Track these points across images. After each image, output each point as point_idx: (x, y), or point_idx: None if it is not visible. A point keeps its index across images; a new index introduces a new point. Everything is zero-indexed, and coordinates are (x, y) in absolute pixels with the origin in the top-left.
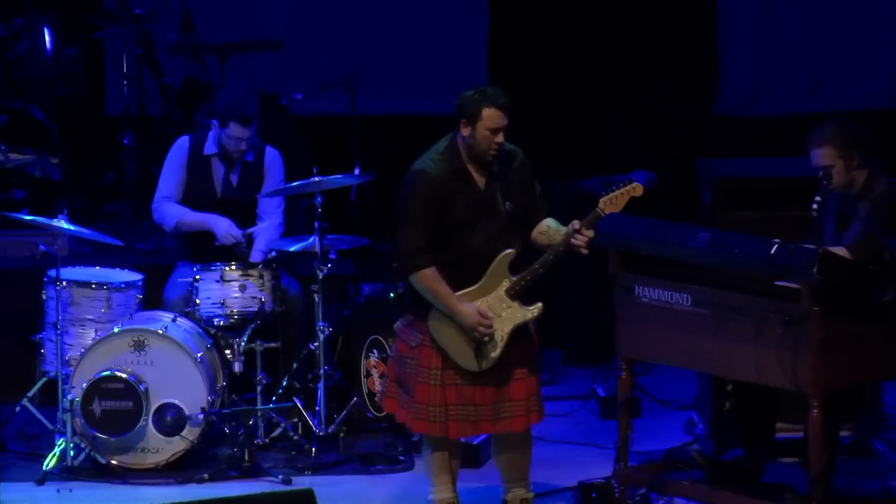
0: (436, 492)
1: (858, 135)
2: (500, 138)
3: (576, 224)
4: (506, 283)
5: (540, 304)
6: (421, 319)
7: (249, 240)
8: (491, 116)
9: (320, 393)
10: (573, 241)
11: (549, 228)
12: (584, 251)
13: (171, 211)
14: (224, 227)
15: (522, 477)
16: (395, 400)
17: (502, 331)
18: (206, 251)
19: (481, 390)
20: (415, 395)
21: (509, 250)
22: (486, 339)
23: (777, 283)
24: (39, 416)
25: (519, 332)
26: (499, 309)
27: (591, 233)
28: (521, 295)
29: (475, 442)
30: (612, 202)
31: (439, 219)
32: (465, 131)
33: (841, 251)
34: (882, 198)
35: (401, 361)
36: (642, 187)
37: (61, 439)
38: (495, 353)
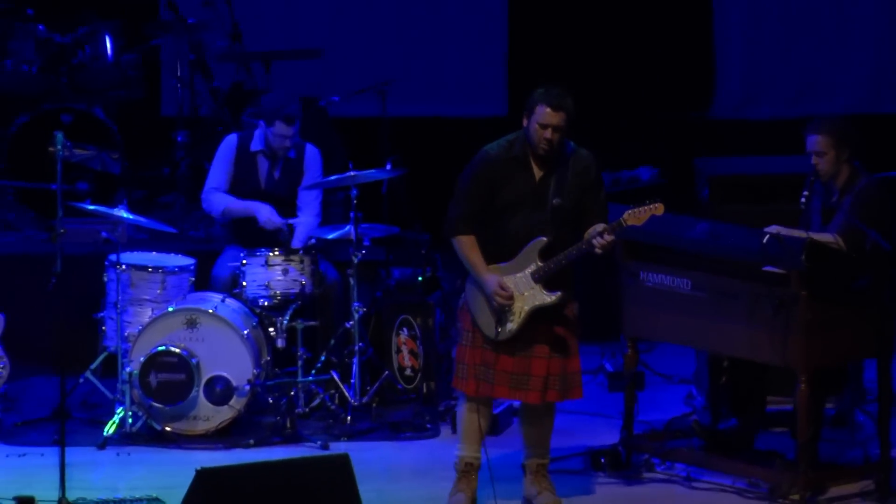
0: (461, 448)
1: (851, 133)
2: (548, 134)
3: (599, 227)
4: (532, 267)
5: (560, 293)
6: (465, 286)
7: (291, 229)
8: (542, 113)
9: (355, 367)
10: (594, 241)
11: (591, 230)
12: (598, 251)
13: (218, 199)
14: (266, 214)
15: (539, 444)
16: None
17: (522, 308)
18: (252, 238)
19: (501, 357)
20: (456, 354)
21: (542, 238)
22: (506, 310)
23: (767, 268)
24: (101, 387)
25: (546, 315)
26: (522, 287)
27: (611, 237)
28: (546, 280)
29: (495, 412)
30: (635, 216)
31: (489, 196)
32: (525, 123)
33: (828, 237)
34: (863, 192)
35: (458, 320)
36: (663, 207)
37: (120, 408)
38: (512, 326)
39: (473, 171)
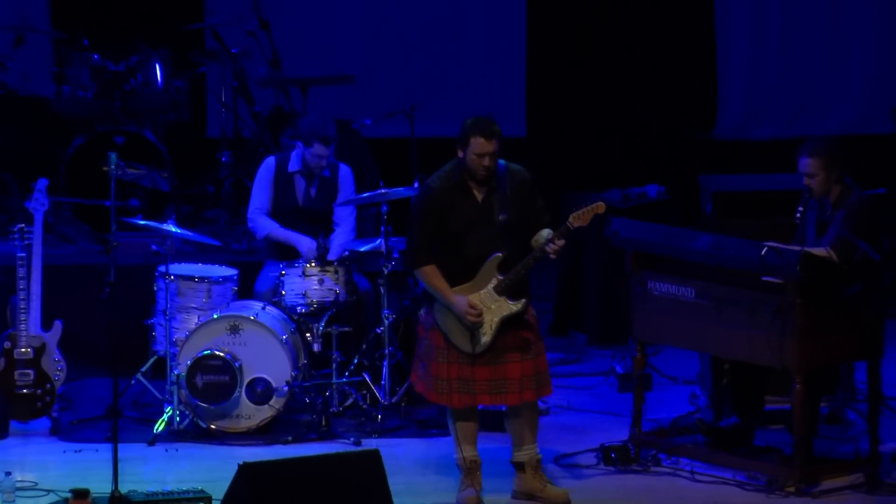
0: (458, 451)
1: (839, 153)
2: (486, 161)
3: (546, 234)
4: (494, 281)
5: (524, 300)
6: (432, 307)
7: (326, 247)
8: (477, 143)
9: (385, 369)
10: (547, 248)
11: (538, 236)
12: (553, 257)
13: (263, 224)
14: (306, 246)
15: (524, 441)
16: (417, 374)
17: (492, 321)
18: (290, 254)
19: (478, 369)
20: (430, 370)
21: (498, 254)
22: (478, 326)
23: (765, 279)
24: (151, 388)
25: (513, 323)
26: (489, 302)
27: (562, 242)
28: (509, 291)
29: (503, 408)
30: (579, 218)
31: (440, 225)
32: (460, 154)
33: (821, 251)
34: (854, 208)
35: (420, 342)
36: (605, 206)
37: (169, 407)
38: (486, 339)
39: (421, 205)
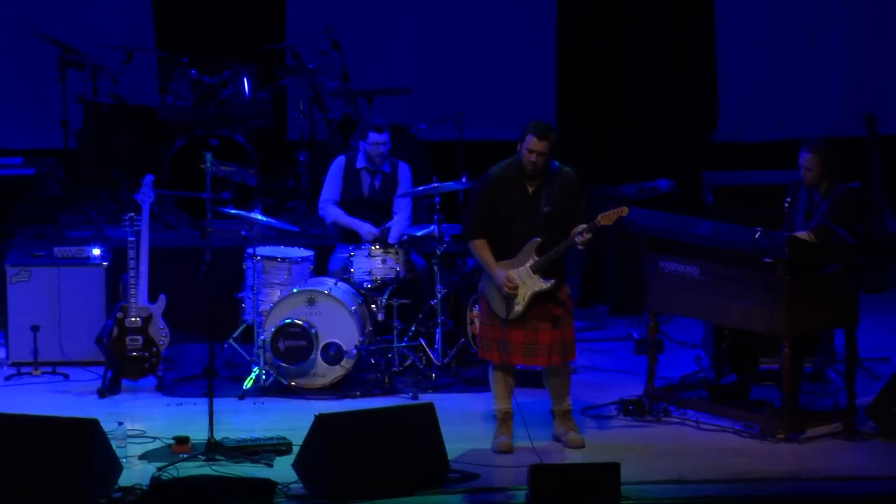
0: (496, 402)
1: (833, 153)
2: (533, 157)
3: (580, 228)
4: (531, 261)
5: (553, 280)
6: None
7: (387, 229)
8: (530, 141)
9: (438, 335)
10: (577, 238)
11: (575, 230)
12: (581, 248)
13: (331, 211)
14: (366, 230)
15: (560, 394)
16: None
17: (525, 294)
18: (356, 237)
19: (514, 332)
20: (480, 329)
21: (537, 239)
22: (513, 296)
23: (766, 260)
24: (241, 351)
25: (547, 298)
26: (525, 278)
27: (589, 236)
28: (542, 271)
29: (539, 369)
30: (606, 218)
31: (493, 208)
32: (518, 148)
33: (804, 234)
34: (838, 198)
35: (478, 305)
36: (628, 209)
37: (256, 368)
38: (519, 308)
39: (480, 189)
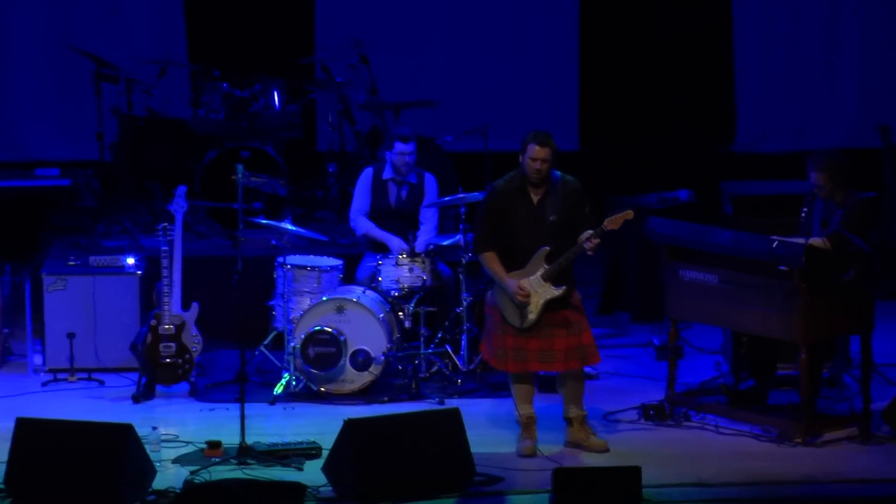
0: (518, 408)
1: (841, 165)
2: (538, 165)
3: (587, 234)
4: (541, 270)
5: (564, 287)
6: (495, 289)
7: (414, 237)
8: (532, 149)
9: (464, 342)
10: (585, 245)
11: (582, 236)
12: (590, 253)
13: (362, 224)
14: (396, 245)
15: (576, 401)
16: (484, 345)
17: (537, 302)
18: (384, 247)
19: (530, 340)
20: (492, 341)
21: (546, 248)
22: (526, 305)
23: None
24: (272, 357)
25: (559, 304)
26: (536, 286)
27: (597, 241)
28: (553, 278)
29: (554, 375)
30: (612, 222)
31: (500, 220)
32: (521, 159)
33: (818, 241)
34: (852, 207)
35: (487, 318)
36: (633, 213)
37: (286, 374)
38: (532, 317)
39: (486, 202)
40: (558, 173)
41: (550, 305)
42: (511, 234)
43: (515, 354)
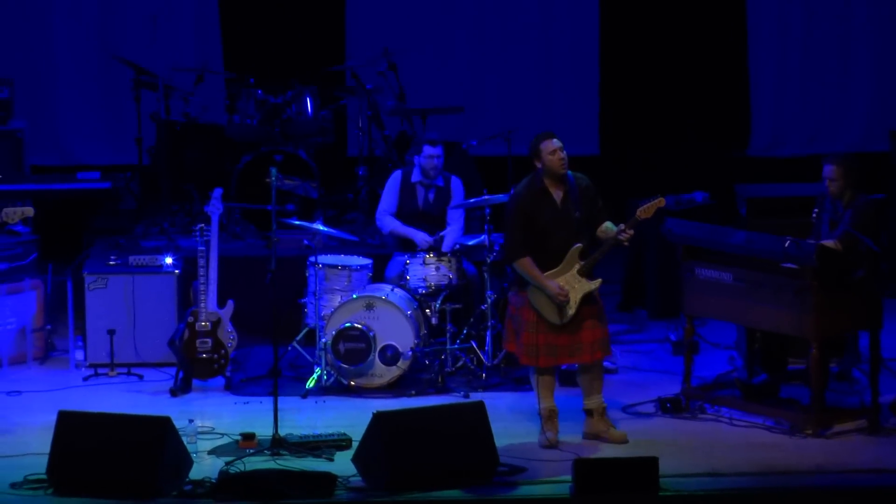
0: (540, 401)
1: (855, 166)
2: (561, 154)
3: (622, 226)
4: (577, 266)
5: (600, 280)
6: (522, 290)
7: (441, 238)
8: (549, 144)
9: (488, 338)
10: (620, 237)
11: (606, 228)
12: (626, 244)
13: (387, 222)
14: (420, 238)
15: (594, 391)
16: (510, 341)
17: (575, 298)
18: (412, 246)
19: (561, 336)
20: (521, 339)
21: (578, 245)
22: (565, 302)
23: (785, 265)
24: (303, 353)
25: (587, 299)
26: (573, 282)
27: (631, 232)
28: (588, 273)
29: (574, 368)
30: (645, 211)
31: (530, 223)
32: (538, 163)
33: (830, 243)
34: (860, 208)
35: (512, 317)
36: (664, 200)
37: (318, 368)
38: (571, 312)
39: (513, 209)
40: (570, 173)
41: (583, 299)
42: (542, 235)
43: (547, 350)
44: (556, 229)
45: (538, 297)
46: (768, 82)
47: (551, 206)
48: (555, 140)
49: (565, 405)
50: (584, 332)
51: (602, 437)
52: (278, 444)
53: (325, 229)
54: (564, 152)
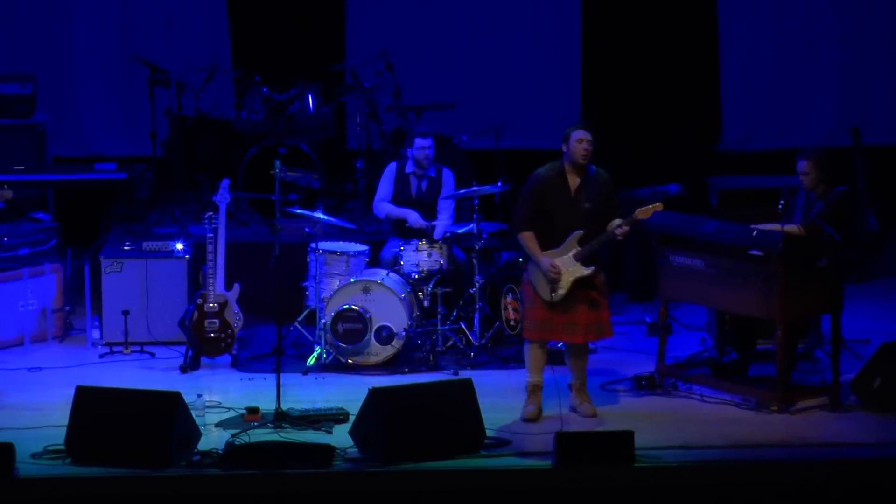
0: (529, 374)
1: (827, 160)
2: (586, 145)
3: (617, 222)
4: (574, 251)
5: (594, 268)
6: (527, 266)
7: (432, 227)
8: (578, 133)
9: (476, 319)
10: (616, 231)
11: (611, 224)
12: (620, 238)
13: (383, 207)
14: (413, 218)
15: (580, 370)
16: (520, 315)
17: (567, 279)
18: (406, 232)
19: (556, 314)
20: (524, 313)
21: (579, 231)
22: (557, 281)
23: (752, 252)
24: (305, 332)
25: (586, 283)
26: (568, 265)
27: (627, 229)
28: (584, 259)
29: (561, 347)
30: (643, 212)
31: (540, 203)
32: (565, 148)
33: (793, 227)
34: (831, 201)
35: (523, 292)
36: (662, 205)
37: (318, 347)
38: (562, 292)
39: (529, 187)
40: (593, 167)
41: (578, 284)
42: (549, 216)
43: (543, 325)
44: (563, 215)
45: (535, 273)
46: (738, 80)
47: (564, 192)
48: (585, 132)
49: (550, 381)
50: (579, 314)
51: (577, 409)
52: (281, 418)
53: (326, 217)
54: (591, 146)
